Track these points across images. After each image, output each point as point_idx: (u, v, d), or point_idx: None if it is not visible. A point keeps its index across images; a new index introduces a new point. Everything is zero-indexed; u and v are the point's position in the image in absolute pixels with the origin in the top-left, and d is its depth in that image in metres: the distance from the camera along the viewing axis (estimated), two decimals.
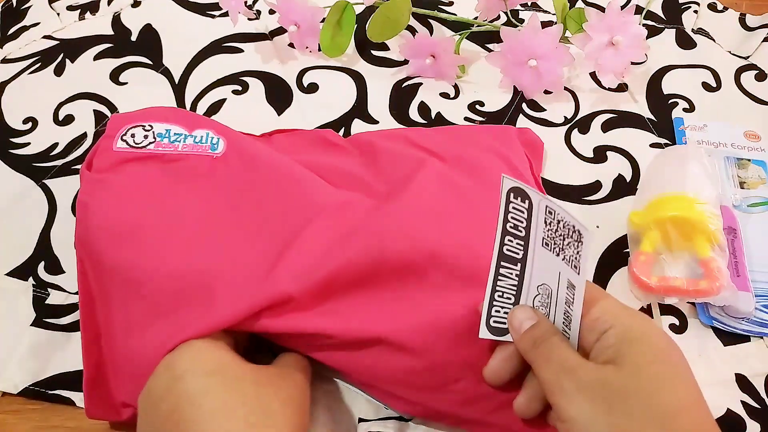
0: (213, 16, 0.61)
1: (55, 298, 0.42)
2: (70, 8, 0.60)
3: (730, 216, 0.44)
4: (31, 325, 0.40)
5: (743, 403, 0.38)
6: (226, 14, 0.59)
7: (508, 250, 0.33)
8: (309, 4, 0.54)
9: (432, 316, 0.35)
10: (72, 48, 0.57)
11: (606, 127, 0.52)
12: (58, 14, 0.60)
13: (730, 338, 0.41)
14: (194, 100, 0.53)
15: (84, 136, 0.51)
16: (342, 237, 0.37)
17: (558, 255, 0.31)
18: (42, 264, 0.43)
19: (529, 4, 0.62)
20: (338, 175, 0.43)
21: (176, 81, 0.55)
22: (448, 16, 0.59)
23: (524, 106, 0.54)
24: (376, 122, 0.52)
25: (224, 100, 0.53)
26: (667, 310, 0.42)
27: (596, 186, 0.49)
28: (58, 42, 0.58)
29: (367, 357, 0.35)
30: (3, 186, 0.47)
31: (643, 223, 0.43)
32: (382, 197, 0.41)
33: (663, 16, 0.62)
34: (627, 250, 0.44)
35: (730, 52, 0.59)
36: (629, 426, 0.26)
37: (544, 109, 0.53)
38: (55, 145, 0.50)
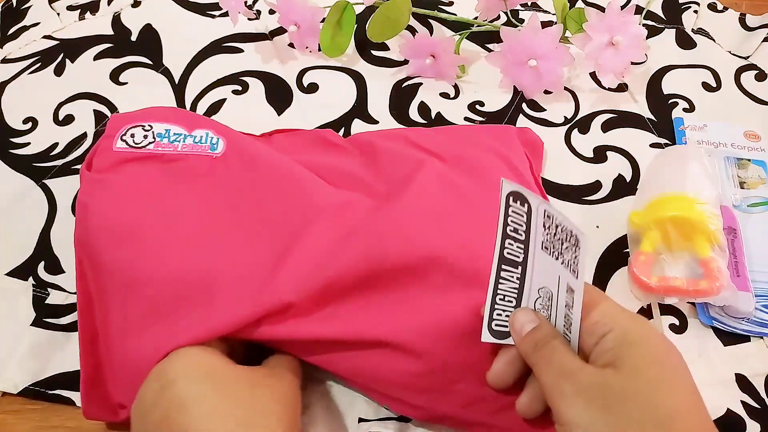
0: (213, 16, 0.61)
1: (55, 297, 0.42)
2: (70, 8, 0.60)
3: (730, 216, 0.44)
4: (31, 325, 0.40)
5: (743, 403, 0.38)
6: (226, 14, 0.59)
7: (508, 253, 0.33)
8: (309, 4, 0.54)
9: (433, 318, 0.35)
10: (72, 48, 0.57)
11: (606, 127, 0.52)
12: (58, 14, 0.60)
13: (730, 338, 0.41)
14: (194, 100, 0.53)
15: (84, 136, 0.51)
16: (342, 238, 0.37)
17: (557, 259, 0.31)
18: (42, 264, 0.43)
19: (529, 4, 0.62)
20: (338, 175, 0.43)
21: (176, 81, 0.55)
22: (448, 16, 0.59)
23: (524, 106, 0.54)
24: (376, 122, 0.52)
25: (224, 100, 0.53)
26: (667, 310, 0.42)
27: (596, 186, 0.49)
28: (58, 42, 0.58)
29: (368, 360, 0.35)
30: (3, 186, 0.47)
31: (643, 223, 0.43)
32: (382, 197, 0.41)
33: (663, 16, 0.62)
34: (627, 250, 0.44)
35: (730, 52, 0.58)
36: (627, 429, 0.26)
37: (544, 109, 0.53)
38: (55, 145, 0.50)
